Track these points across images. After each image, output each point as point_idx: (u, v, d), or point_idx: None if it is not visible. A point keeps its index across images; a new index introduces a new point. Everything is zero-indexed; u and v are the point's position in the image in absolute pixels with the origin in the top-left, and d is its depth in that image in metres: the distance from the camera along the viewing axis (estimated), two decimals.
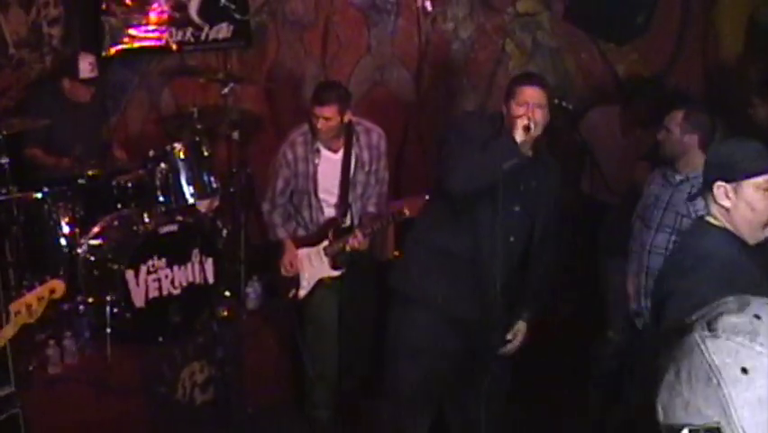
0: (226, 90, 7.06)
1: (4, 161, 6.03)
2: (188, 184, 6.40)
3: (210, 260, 6.40)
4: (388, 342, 5.51)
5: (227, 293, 6.75)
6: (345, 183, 6.26)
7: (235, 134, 7.09)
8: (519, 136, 4.85)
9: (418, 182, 7.95)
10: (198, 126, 6.89)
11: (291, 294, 6.31)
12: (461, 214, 5.08)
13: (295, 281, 6.30)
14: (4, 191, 6.02)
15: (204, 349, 6.42)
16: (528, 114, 4.88)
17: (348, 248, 6.17)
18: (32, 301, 4.47)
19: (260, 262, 7.01)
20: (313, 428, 6.55)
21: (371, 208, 6.36)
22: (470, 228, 5.07)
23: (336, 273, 6.28)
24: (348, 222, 6.32)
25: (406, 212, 6.00)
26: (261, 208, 6.45)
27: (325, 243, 6.25)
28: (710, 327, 1.77)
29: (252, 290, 6.92)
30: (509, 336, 5.32)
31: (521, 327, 5.35)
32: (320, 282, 6.33)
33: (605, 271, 6.63)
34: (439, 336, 5.24)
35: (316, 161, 6.19)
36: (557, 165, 5.32)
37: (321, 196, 6.29)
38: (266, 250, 6.81)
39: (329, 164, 6.25)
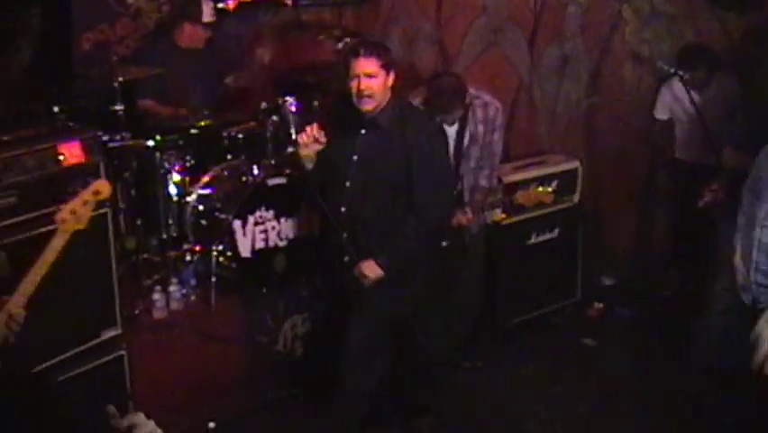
0: (340, 46, 7.03)
1: (119, 107, 6.08)
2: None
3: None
4: None
5: None
6: (458, 156, 6.18)
7: None
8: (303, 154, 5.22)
9: (529, 145, 7.85)
10: (310, 81, 6.94)
11: None
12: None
13: None
14: (118, 138, 6.06)
15: (307, 302, 6.41)
16: (360, 85, 5.03)
17: (454, 223, 6.11)
18: (76, 207, 4.41)
19: None
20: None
21: (483, 181, 6.28)
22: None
23: (443, 244, 6.20)
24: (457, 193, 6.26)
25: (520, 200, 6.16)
26: None
27: None
28: None
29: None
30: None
31: (367, 264, 5.30)
32: None
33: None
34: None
35: None
36: (411, 120, 5.27)
37: None
38: None
39: None
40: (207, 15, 6.78)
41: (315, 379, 6.03)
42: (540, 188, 6.23)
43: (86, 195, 4.35)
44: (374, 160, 5.22)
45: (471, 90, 6.12)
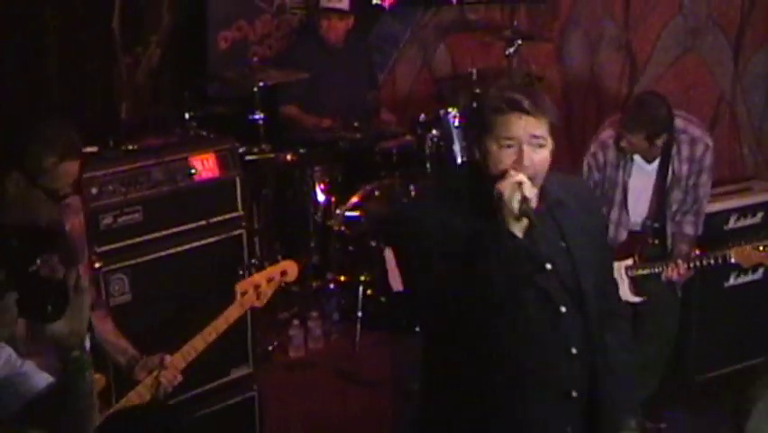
0: (511, 50, 7.04)
1: (259, 116, 6.13)
2: (462, 155, 6.39)
3: None
4: None
5: None
6: (658, 198, 6.04)
7: None
8: (517, 227, 3.45)
9: (730, 169, 7.64)
10: (477, 90, 6.91)
11: None
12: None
13: None
14: (255, 150, 6.12)
15: None
16: (524, 159, 3.46)
17: (664, 278, 5.95)
18: (260, 281, 4.50)
19: None
20: None
21: (688, 229, 6.09)
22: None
23: (636, 300, 6.02)
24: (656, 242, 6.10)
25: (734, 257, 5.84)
26: None
27: (629, 261, 6.04)
28: None
29: None
30: None
31: None
32: None
33: None
34: None
35: (629, 166, 5.98)
36: (579, 185, 4.04)
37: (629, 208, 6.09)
38: None
39: (641, 175, 6.03)
40: (344, 3, 6.87)
41: None
42: (762, 247, 5.99)
43: (273, 272, 4.64)
44: (566, 243, 3.64)
45: (679, 121, 5.94)
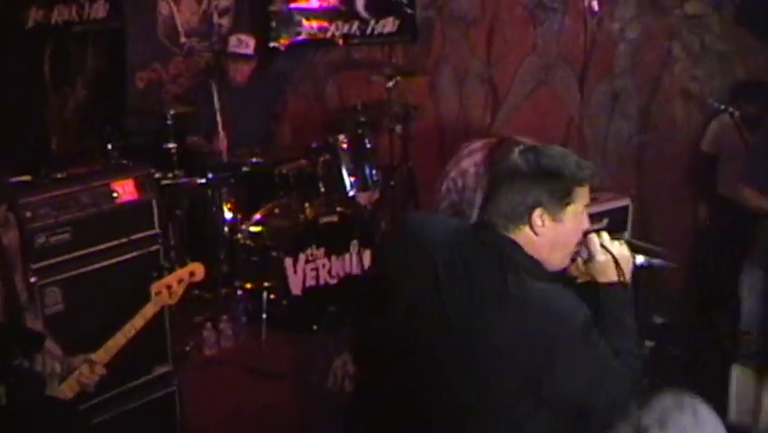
0: (391, 84, 7.07)
1: (172, 146, 6.14)
2: (350, 176, 6.46)
3: (368, 252, 6.35)
4: None
5: None
6: None
7: (398, 128, 7.09)
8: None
9: None
10: (362, 119, 7.02)
11: None
12: None
13: None
14: (170, 175, 6.12)
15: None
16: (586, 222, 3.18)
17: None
18: (171, 282, 4.51)
19: None
20: None
21: None
22: None
23: None
24: None
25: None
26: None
27: None
28: (662, 428, 2.03)
29: None
30: None
31: None
32: None
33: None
34: None
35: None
36: None
37: None
38: None
39: None
40: (233, 46, 6.90)
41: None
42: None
43: (182, 273, 4.57)
44: None
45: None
